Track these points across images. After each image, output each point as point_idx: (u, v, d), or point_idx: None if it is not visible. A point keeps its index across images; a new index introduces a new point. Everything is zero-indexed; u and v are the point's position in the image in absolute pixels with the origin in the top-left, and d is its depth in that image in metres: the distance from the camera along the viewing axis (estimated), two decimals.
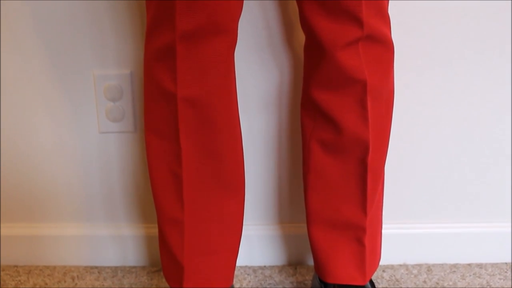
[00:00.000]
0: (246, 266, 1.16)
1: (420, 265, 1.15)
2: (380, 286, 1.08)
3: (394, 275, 1.12)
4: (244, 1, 0.98)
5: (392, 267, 1.15)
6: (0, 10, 1.03)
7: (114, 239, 1.16)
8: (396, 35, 1.02)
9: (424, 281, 1.09)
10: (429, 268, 1.14)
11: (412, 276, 1.12)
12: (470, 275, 1.11)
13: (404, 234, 1.14)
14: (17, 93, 1.08)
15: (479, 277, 1.11)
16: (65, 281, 1.12)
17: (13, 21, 1.04)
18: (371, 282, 0.94)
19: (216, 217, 0.86)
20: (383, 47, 0.82)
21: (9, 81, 1.08)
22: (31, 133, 1.11)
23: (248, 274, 1.14)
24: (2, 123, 1.10)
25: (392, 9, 1.00)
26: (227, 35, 0.78)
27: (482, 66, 1.05)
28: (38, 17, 1.03)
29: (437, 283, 1.09)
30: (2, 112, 1.09)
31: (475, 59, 1.05)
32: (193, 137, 0.81)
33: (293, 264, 1.17)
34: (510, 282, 1.09)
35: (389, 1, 0.96)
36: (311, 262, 1.16)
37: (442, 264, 1.15)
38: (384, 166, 0.91)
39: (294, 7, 1.01)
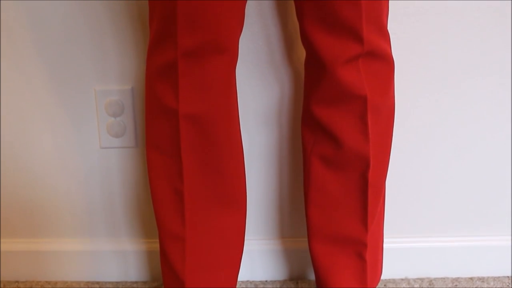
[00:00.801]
0: (247, 281, 1.16)
1: (422, 279, 1.15)
2: None
3: None
4: (245, 18, 0.99)
5: (393, 281, 1.15)
6: (0, 27, 1.04)
7: (115, 254, 1.16)
8: (396, 50, 1.03)
9: None
10: (431, 282, 1.14)
11: None
12: None
13: (405, 248, 1.14)
14: (18, 108, 1.09)
15: None
16: None
17: (15, 38, 1.05)
18: None
19: (217, 232, 0.86)
20: (383, 63, 0.83)
21: (10, 96, 1.08)
22: (32, 149, 1.11)
23: None
24: (3, 137, 1.11)
25: (391, 24, 1.01)
26: (228, 53, 0.79)
27: (482, 84, 1.06)
28: (39, 33, 1.04)
29: None
30: (2, 126, 1.10)
31: (476, 75, 1.05)
32: (194, 153, 0.81)
33: (295, 279, 1.17)
34: None
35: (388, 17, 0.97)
36: (312, 276, 1.16)
37: (444, 278, 1.15)
38: (385, 181, 0.91)
39: (295, 23, 1.01)
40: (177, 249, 0.84)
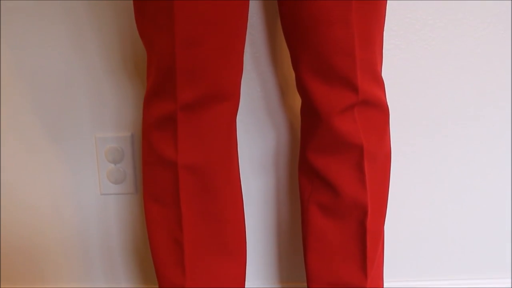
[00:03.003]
0: None
1: None
2: None
3: None
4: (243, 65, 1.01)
5: None
6: (0, 76, 1.06)
7: None
8: (390, 97, 1.04)
9: None
10: None
11: None
12: None
13: None
14: (18, 155, 1.09)
15: None
16: None
17: (14, 85, 1.06)
18: None
19: (217, 281, 0.85)
20: (378, 110, 0.84)
21: (11, 143, 1.09)
22: (32, 196, 1.11)
23: None
24: (3, 184, 1.11)
25: (386, 71, 1.03)
26: (229, 101, 0.80)
27: (478, 125, 1.07)
28: (38, 82, 1.06)
29: None
30: (2, 174, 1.11)
31: (471, 117, 1.07)
32: (194, 203, 0.81)
33: None
34: None
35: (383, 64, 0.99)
36: None
37: None
38: (383, 226, 0.91)
39: (291, 70, 1.03)
40: None
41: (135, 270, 1.15)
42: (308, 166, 0.88)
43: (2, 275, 1.16)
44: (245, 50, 1.02)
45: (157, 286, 1.13)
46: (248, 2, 0.79)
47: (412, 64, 1.04)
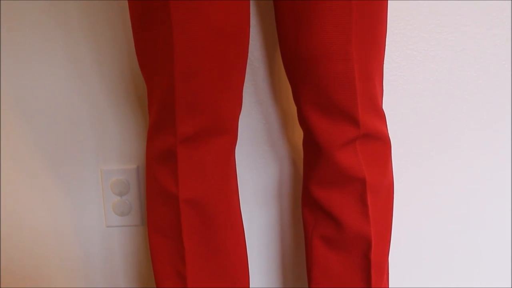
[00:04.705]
0: None
1: None
2: None
3: None
4: (244, 98, 1.02)
5: None
6: (1, 111, 1.07)
7: None
8: (392, 128, 1.05)
9: None
10: None
11: None
12: None
13: None
14: (23, 190, 1.10)
15: None
16: None
17: (18, 121, 1.08)
18: None
19: None
20: (380, 143, 0.84)
21: (15, 178, 1.10)
22: (37, 229, 1.12)
23: None
24: (7, 217, 1.12)
25: (389, 103, 1.04)
26: (228, 135, 0.80)
27: (482, 160, 1.07)
28: (41, 117, 1.07)
29: None
30: (6, 208, 1.11)
31: (475, 148, 1.07)
32: (196, 236, 0.81)
33: None
34: None
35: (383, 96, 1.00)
36: None
37: None
38: (387, 258, 0.91)
39: (293, 103, 1.04)
40: None
41: None
42: (311, 198, 0.88)
43: None
44: (246, 82, 1.03)
45: None
46: (249, 34, 0.80)
47: (415, 95, 1.05)
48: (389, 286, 1.05)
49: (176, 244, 0.82)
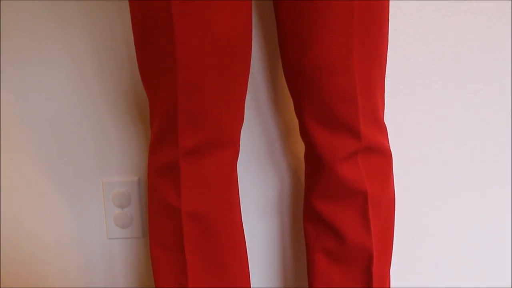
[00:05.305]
0: None
1: None
2: None
3: None
4: (245, 111, 1.02)
5: None
6: (0, 125, 1.08)
7: None
8: (394, 141, 1.05)
9: None
10: None
11: None
12: None
13: None
14: (25, 202, 1.11)
15: None
16: None
17: (19, 133, 1.08)
18: None
19: None
20: (381, 156, 0.84)
21: (16, 190, 1.10)
22: (38, 241, 1.12)
23: None
24: (7, 229, 1.12)
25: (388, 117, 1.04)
26: (230, 147, 0.81)
27: (484, 170, 1.07)
28: (43, 129, 1.08)
29: None
30: (7, 219, 1.11)
31: (476, 158, 1.07)
32: (198, 250, 0.81)
33: None
34: None
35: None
36: None
37: None
38: (389, 271, 0.91)
39: (294, 116, 1.04)
40: None
41: None
42: (313, 211, 0.88)
43: None
44: (248, 95, 1.03)
45: None
46: (251, 46, 0.80)
47: (416, 107, 1.05)
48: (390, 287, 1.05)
49: (178, 257, 0.82)
